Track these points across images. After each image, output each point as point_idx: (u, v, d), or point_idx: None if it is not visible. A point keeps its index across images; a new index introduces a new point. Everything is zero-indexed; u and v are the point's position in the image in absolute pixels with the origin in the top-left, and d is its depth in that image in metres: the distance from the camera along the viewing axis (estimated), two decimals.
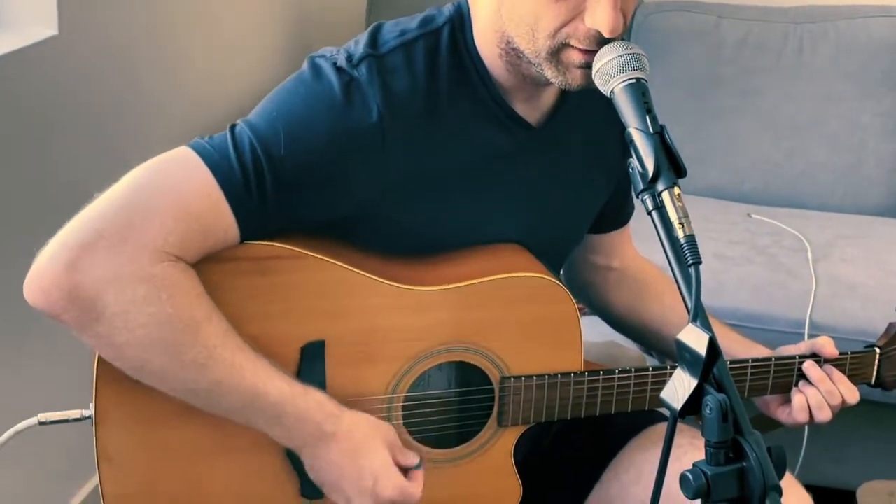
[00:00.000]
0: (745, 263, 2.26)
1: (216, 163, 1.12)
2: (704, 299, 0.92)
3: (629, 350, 1.69)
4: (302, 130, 1.14)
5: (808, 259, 2.27)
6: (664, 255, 0.97)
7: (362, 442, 1.18)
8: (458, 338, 1.25)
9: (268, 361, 1.15)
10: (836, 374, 1.39)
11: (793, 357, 1.39)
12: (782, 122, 2.64)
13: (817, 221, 2.49)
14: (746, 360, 1.37)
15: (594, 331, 1.56)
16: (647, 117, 1.02)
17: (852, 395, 1.38)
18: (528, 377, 1.28)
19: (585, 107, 1.30)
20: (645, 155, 0.99)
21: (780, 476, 0.87)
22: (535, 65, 1.16)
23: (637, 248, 1.58)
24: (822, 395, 1.36)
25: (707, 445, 0.88)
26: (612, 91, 1.07)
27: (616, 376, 1.31)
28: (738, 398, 0.88)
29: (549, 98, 1.28)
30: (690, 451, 1.25)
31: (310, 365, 1.20)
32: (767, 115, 2.65)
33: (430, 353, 1.25)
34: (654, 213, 0.98)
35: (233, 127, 1.16)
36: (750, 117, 2.65)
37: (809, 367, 1.38)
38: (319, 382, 1.20)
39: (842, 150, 2.61)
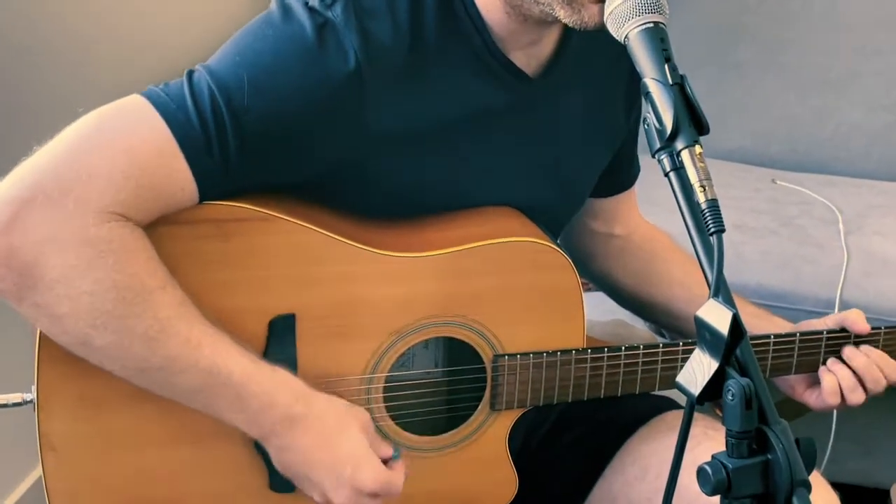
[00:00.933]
0: (768, 235, 2.26)
1: (172, 113, 1.11)
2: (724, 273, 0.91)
3: (638, 329, 1.69)
4: (268, 79, 1.13)
5: (840, 231, 2.27)
6: (682, 221, 0.95)
7: (337, 426, 1.18)
8: (446, 310, 1.25)
9: (230, 336, 1.14)
10: (882, 357, 1.39)
11: (819, 332, 1.40)
12: (812, 77, 2.64)
13: (849, 189, 2.49)
14: (768, 336, 1.38)
15: (599, 308, 1.55)
16: (666, 66, 1.00)
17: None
18: (524, 355, 1.28)
19: (586, 56, 1.30)
20: (663, 109, 0.98)
21: (809, 470, 0.87)
22: (542, 4, 1.15)
23: (645, 214, 1.57)
24: (857, 377, 1.37)
25: (728, 435, 0.87)
26: (626, 36, 1.05)
27: (622, 353, 1.31)
28: (763, 383, 0.87)
29: (548, 45, 1.27)
30: (704, 441, 1.25)
31: (279, 341, 1.20)
32: (795, 69, 2.65)
33: (414, 328, 1.24)
34: (672, 175, 0.96)
35: (190, 73, 1.14)
36: (776, 72, 2.65)
37: (852, 355, 1.39)
38: (290, 361, 1.20)
39: (878, 110, 2.61)
